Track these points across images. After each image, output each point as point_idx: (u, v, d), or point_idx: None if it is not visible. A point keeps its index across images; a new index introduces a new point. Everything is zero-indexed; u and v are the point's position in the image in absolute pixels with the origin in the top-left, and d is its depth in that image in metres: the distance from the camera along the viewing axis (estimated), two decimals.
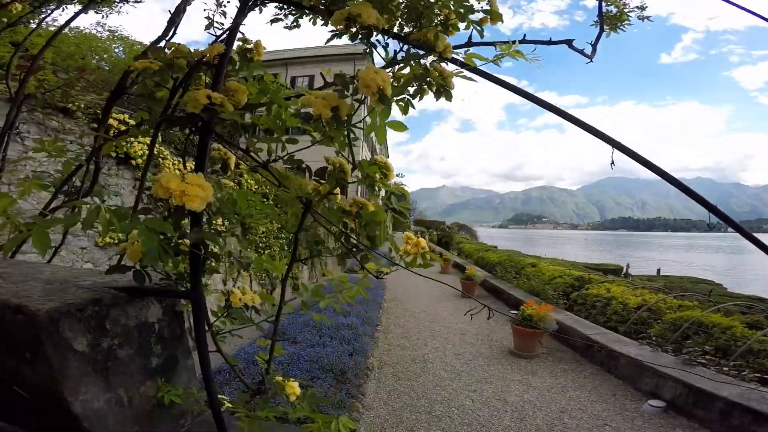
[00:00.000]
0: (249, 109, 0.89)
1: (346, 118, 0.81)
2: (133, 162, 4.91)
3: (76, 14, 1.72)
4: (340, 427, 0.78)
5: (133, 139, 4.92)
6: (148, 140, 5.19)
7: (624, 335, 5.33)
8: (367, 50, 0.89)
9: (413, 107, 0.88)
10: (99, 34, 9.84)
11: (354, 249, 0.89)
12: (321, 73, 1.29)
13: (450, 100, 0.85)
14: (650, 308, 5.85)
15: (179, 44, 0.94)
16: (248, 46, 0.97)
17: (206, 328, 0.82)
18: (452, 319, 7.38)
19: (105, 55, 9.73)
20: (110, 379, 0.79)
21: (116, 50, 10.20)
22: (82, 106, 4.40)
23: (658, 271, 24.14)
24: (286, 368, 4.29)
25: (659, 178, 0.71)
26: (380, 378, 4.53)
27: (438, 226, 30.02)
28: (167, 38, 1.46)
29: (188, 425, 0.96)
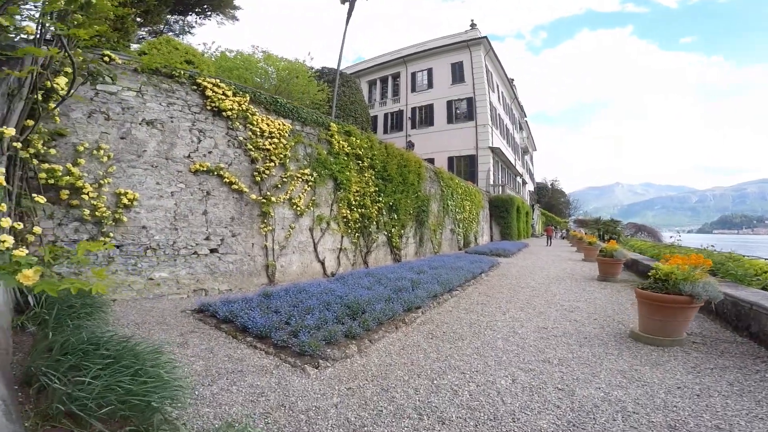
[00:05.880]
0: None
1: None
2: (224, 114, 5.69)
3: None
4: None
5: (224, 97, 5.75)
6: (239, 99, 5.97)
7: None
8: None
9: None
10: (255, 54, 12.21)
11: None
12: None
13: None
14: None
15: None
16: None
17: None
18: (564, 297, 5.45)
19: (255, 71, 12.06)
20: None
21: (265, 66, 12.40)
22: (186, 74, 5.34)
23: None
24: (314, 298, 4.00)
25: None
26: (409, 333, 3.63)
27: (604, 223, 24.45)
28: None
29: None
